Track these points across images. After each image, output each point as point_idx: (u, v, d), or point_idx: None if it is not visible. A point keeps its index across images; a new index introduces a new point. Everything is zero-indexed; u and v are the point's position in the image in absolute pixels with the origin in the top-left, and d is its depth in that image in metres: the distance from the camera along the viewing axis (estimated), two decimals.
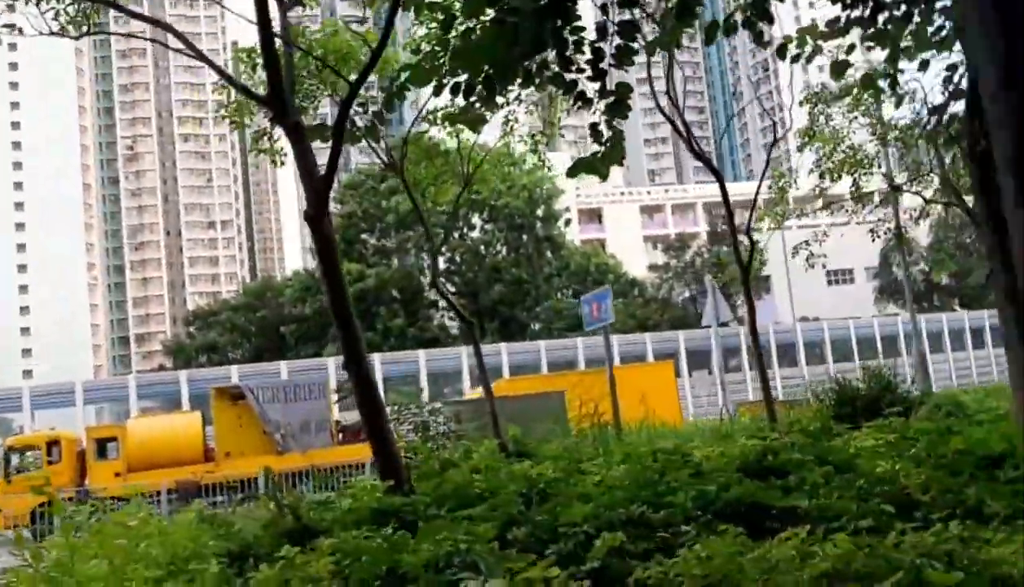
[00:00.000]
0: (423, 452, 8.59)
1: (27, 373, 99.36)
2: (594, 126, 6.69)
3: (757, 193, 14.81)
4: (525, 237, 52.72)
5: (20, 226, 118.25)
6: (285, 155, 13.26)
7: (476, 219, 52.92)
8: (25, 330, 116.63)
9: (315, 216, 7.05)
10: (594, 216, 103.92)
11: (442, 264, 55.01)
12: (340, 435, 25.12)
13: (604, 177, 6.79)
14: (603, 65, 6.59)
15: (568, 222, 56.34)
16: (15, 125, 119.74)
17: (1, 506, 23.87)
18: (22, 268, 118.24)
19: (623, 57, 6.37)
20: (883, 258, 64.10)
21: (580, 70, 6.60)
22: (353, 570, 3.79)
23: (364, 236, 55.00)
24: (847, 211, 23.56)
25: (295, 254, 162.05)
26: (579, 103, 6.87)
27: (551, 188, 54.88)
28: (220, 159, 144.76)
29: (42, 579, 4.26)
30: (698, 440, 8.66)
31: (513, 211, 51.12)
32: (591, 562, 3.17)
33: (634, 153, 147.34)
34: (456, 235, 53.28)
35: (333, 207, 64.69)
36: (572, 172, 6.65)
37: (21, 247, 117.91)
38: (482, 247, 52.30)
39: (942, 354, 55.36)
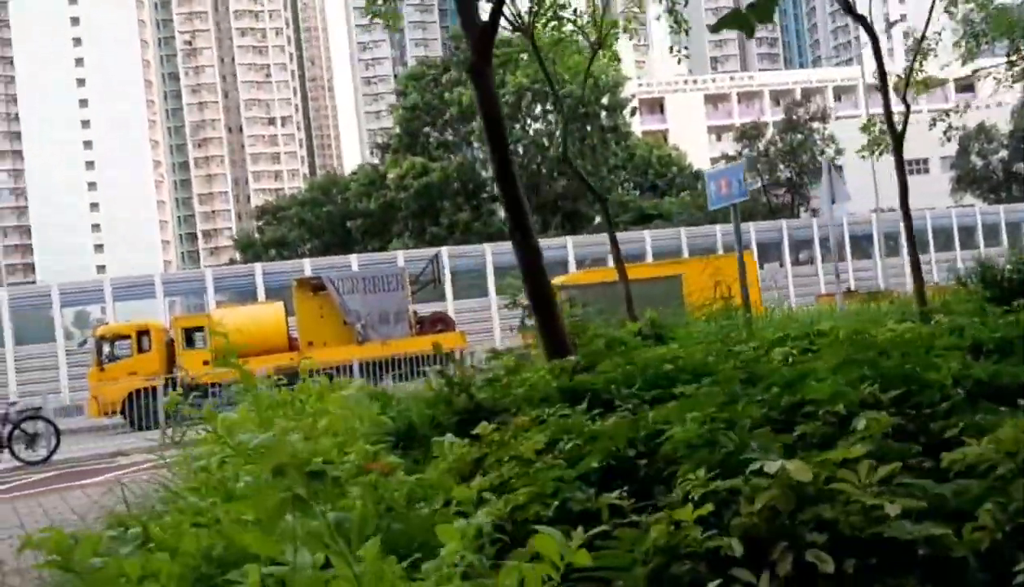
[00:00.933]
0: (583, 331, 8.32)
1: (100, 268, 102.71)
2: None
3: (918, 51, 13.82)
4: (589, 127, 51.76)
5: (85, 123, 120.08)
6: (399, 20, 12.78)
7: (538, 109, 52.03)
8: (96, 227, 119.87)
9: (478, 66, 6.85)
10: (655, 106, 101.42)
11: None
12: (418, 326, 25.54)
13: (751, 33, 6.49)
14: None
15: (634, 111, 55.11)
16: (75, 20, 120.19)
17: (95, 394, 25.03)
18: (89, 165, 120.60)
19: None
20: (961, 146, 61.65)
21: None
22: (593, 448, 3.27)
23: (427, 129, 54.61)
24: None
25: (353, 150, 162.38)
26: None
27: (617, 76, 53.53)
28: (277, 53, 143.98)
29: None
30: (846, 323, 8.38)
31: (578, 100, 50.06)
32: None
33: (697, 39, 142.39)
34: (518, 126, 52.59)
35: (394, 99, 64.11)
36: (718, 26, 6.42)
37: (87, 144, 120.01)
38: (545, 139, 51.54)
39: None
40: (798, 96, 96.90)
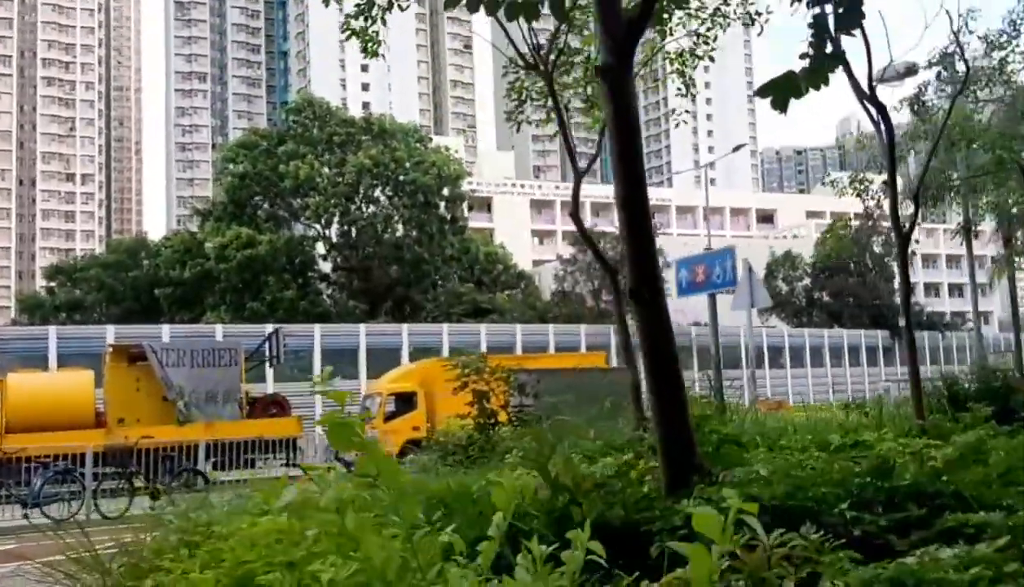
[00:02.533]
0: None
1: None
2: (820, 24, 5.26)
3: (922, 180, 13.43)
4: (428, 216, 50.78)
5: None
6: (378, 45, 10.91)
7: (379, 192, 50.58)
8: None
9: (617, 67, 5.06)
10: (483, 205, 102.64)
11: (335, 236, 52.42)
12: (249, 407, 22.78)
13: (799, 96, 5.27)
14: None
15: (472, 206, 54.79)
16: None
17: None
18: None
19: None
20: (768, 271, 65.61)
21: None
22: None
23: (256, 199, 51.67)
24: None
25: (158, 215, 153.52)
26: None
27: (459, 169, 53.22)
28: (85, 109, 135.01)
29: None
30: (839, 433, 7.33)
31: (420, 187, 49.11)
32: None
33: (521, 146, 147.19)
34: (354, 206, 50.83)
35: (210, 167, 60.63)
36: (764, 92, 5.22)
37: None
38: (380, 223, 50.00)
39: (821, 368, 57.07)
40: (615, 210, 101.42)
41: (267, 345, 24.51)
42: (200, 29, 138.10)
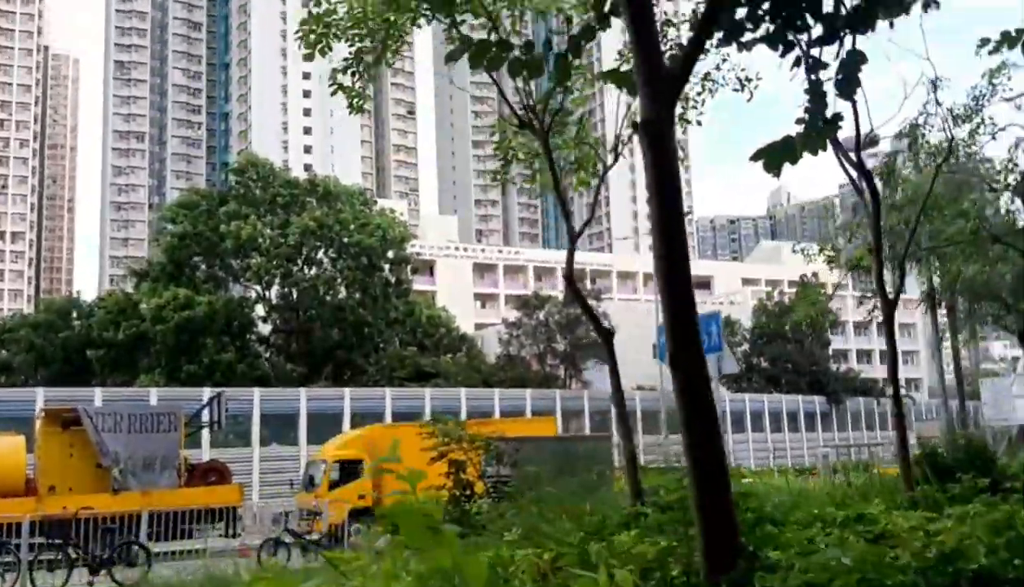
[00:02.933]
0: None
1: None
2: (817, 91, 5.34)
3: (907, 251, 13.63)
4: (372, 279, 50.43)
5: None
6: (364, 101, 10.65)
7: (322, 254, 50.14)
8: None
9: (658, 121, 4.81)
10: (425, 268, 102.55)
11: (275, 298, 51.66)
12: (187, 475, 21.96)
13: (795, 161, 5.32)
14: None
15: (415, 269, 54.65)
16: None
17: None
18: None
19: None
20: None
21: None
22: None
23: (195, 260, 50.75)
24: None
25: (89, 275, 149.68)
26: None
27: (403, 231, 53.14)
28: (18, 166, 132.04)
29: None
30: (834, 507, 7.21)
31: (365, 249, 48.83)
32: None
33: (464, 208, 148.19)
34: (297, 268, 50.27)
35: (146, 228, 59.51)
36: (759, 156, 5.27)
37: None
38: (322, 285, 49.46)
39: (761, 433, 57.67)
40: (558, 274, 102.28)
41: (208, 409, 23.79)
42: (140, 89, 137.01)
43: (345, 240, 48.82)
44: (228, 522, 21.46)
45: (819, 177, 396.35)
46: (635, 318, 67.14)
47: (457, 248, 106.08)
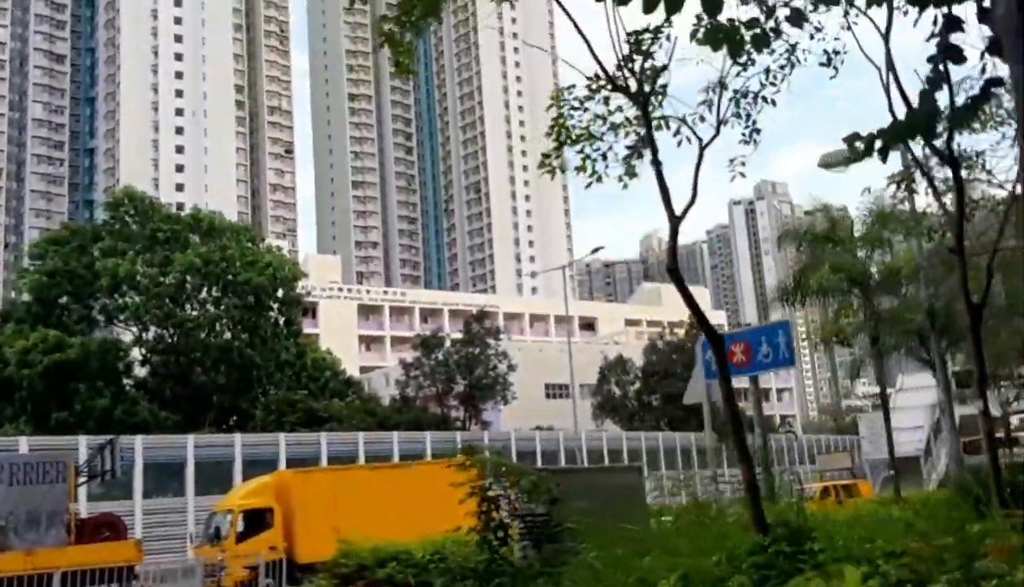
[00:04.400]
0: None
1: None
2: (951, 55, 4.66)
3: None
4: (260, 319, 48.03)
5: None
6: (411, 61, 8.86)
7: (207, 293, 47.42)
8: None
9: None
10: (307, 311, 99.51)
11: (154, 339, 48.48)
12: (77, 531, 19.57)
13: (869, 154, 4.62)
14: None
15: (306, 311, 52.48)
16: None
17: None
18: None
19: None
20: (601, 375, 66.65)
21: None
22: None
23: (65, 299, 47.07)
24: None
25: None
26: None
27: (294, 269, 51.02)
28: None
29: None
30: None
31: (254, 288, 46.47)
32: None
33: (343, 251, 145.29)
34: (179, 307, 47.35)
35: (28, 263, 55.21)
36: (829, 162, 4.64)
37: None
38: (217, 323, 46.69)
39: (658, 471, 57.70)
40: (446, 316, 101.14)
41: (99, 457, 21.42)
42: None
43: (232, 278, 46.34)
44: (122, 582, 19.22)
45: (685, 223, 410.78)
46: (528, 357, 66.69)
47: (341, 289, 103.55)
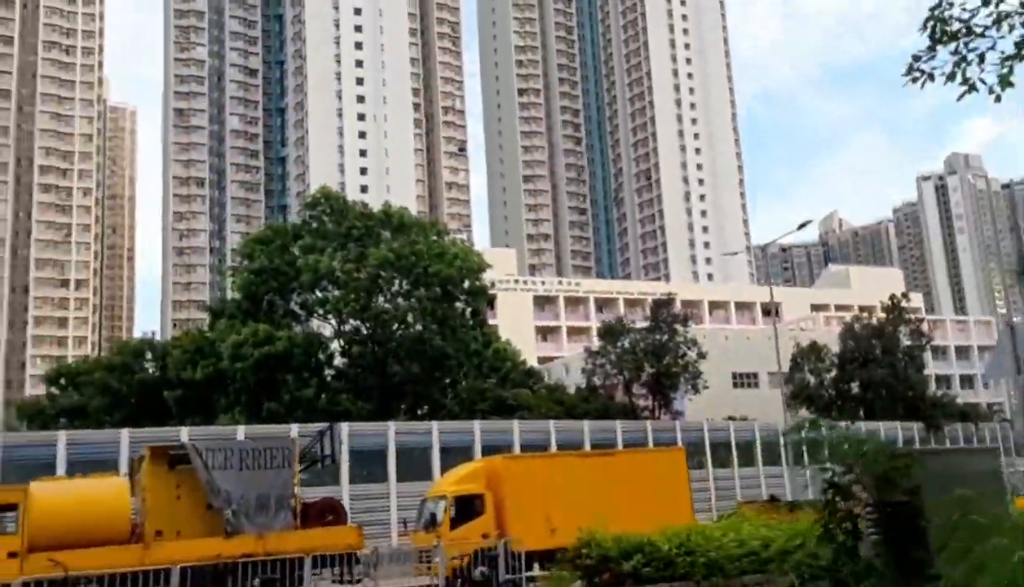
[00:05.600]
0: None
1: None
2: None
3: None
4: (450, 309, 48.88)
5: None
6: None
7: (399, 285, 48.74)
8: None
9: None
10: (490, 301, 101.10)
11: (351, 331, 50.31)
12: (302, 515, 20.21)
13: None
14: None
15: (490, 301, 53.01)
16: None
17: None
18: None
19: None
20: (793, 363, 63.56)
21: None
22: None
23: (271, 296, 49.71)
24: None
25: (147, 323, 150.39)
26: None
27: (479, 260, 51.62)
28: (82, 214, 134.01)
29: None
30: None
31: (443, 280, 47.36)
32: None
33: (516, 245, 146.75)
34: (374, 300, 48.89)
35: (237, 260, 58.82)
36: None
37: None
38: (410, 315, 47.94)
39: None
40: (621, 305, 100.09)
41: (319, 444, 22.11)
42: (198, 135, 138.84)
43: (421, 271, 47.39)
44: (345, 567, 19.66)
45: (866, 203, 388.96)
46: (716, 345, 64.53)
47: (516, 281, 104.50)
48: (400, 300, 49.68)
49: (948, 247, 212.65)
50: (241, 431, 35.03)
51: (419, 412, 51.03)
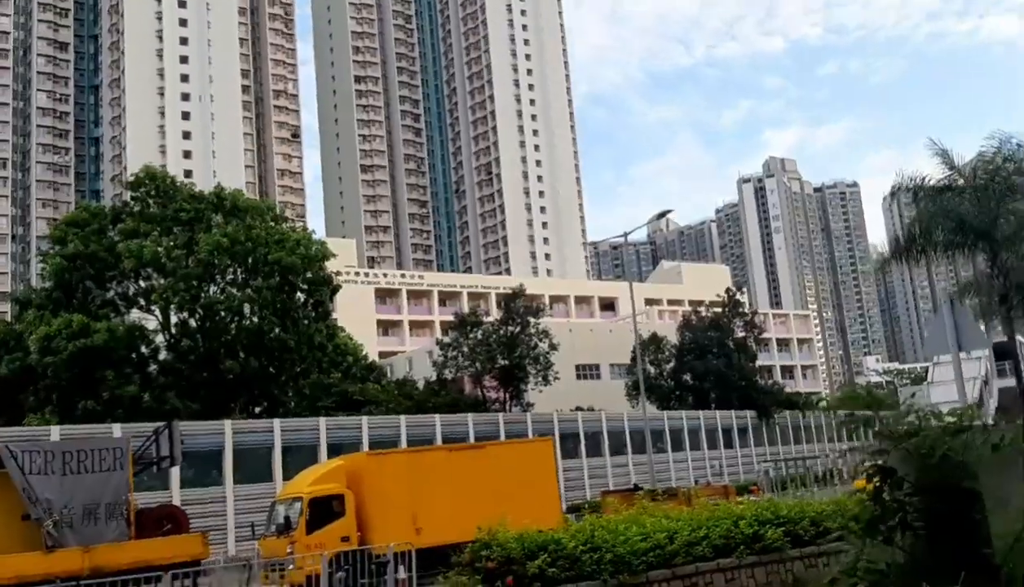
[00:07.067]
0: None
1: None
2: None
3: None
4: (291, 300, 46.09)
5: None
6: None
7: (234, 274, 45.46)
8: None
9: None
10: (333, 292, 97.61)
11: (179, 322, 46.54)
12: (136, 524, 17.67)
13: None
14: None
15: (336, 289, 50.37)
16: None
17: None
18: None
19: None
20: (635, 354, 64.44)
21: None
22: None
23: (88, 283, 45.13)
24: None
25: None
26: None
27: (322, 248, 48.97)
28: None
29: None
30: None
31: (284, 268, 44.52)
32: None
33: (354, 235, 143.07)
34: (206, 289, 45.39)
35: (48, 245, 53.17)
36: None
37: None
38: (247, 306, 44.68)
39: (682, 452, 55.33)
40: (465, 299, 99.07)
41: (156, 443, 19.49)
42: (1, 113, 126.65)
43: (261, 258, 44.36)
44: (186, 580, 17.32)
45: (689, 204, 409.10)
46: (560, 338, 64.56)
47: (358, 273, 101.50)
48: (235, 290, 46.35)
49: (766, 246, 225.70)
50: (55, 431, 31.31)
51: (256, 410, 47.93)
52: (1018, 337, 27.82)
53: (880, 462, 6.28)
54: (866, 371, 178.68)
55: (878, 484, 6.17)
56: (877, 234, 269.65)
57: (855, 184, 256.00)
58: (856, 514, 6.62)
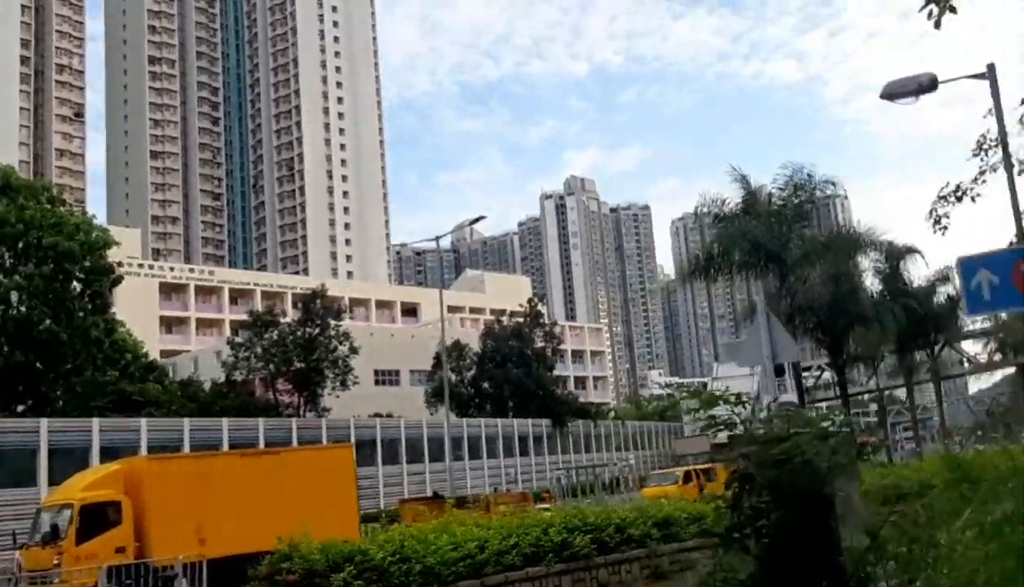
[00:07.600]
0: None
1: None
2: None
3: None
4: (66, 289, 42.19)
5: None
6: None
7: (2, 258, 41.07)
8: None
9: None
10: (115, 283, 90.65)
11: None
12: None
13: None
14: None
15: (118, 281, 46.61)
16: None
17: None
18: None
19: None
20: (436, 361, 64.32)
21: None
22: None
23: None
24: None
25: None
26: None
27: (104, 236, 45.23)
28: None
29: None
30: None
31: (61, 254, 40.66)
32: None
33: (139, 226, 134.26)
34: None
35: None
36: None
37: None
38: (14, 293, 40.33)
39: (478, 460, 55.62)
40: (258, 298, 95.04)
41: None
42: None
43: (33, 242, 40.32)
44: None
45: (492, 215, 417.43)
46: (365, 342, 63.27)
47: (141, 265, 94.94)
48: (2, 276, 41.89)
49: (564, 260, 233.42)
50: None
51: (18, 408, 43.49)
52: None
53: (741, 467, 6.14)
54: (650, 384, 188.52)
55: (737, 490, 6.02)
56: (664, 255, 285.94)
57: (647, 207, 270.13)
58: (712, 522, 6.48)
